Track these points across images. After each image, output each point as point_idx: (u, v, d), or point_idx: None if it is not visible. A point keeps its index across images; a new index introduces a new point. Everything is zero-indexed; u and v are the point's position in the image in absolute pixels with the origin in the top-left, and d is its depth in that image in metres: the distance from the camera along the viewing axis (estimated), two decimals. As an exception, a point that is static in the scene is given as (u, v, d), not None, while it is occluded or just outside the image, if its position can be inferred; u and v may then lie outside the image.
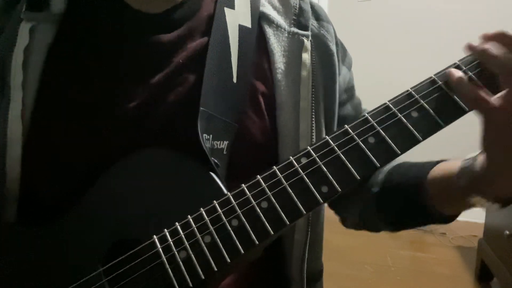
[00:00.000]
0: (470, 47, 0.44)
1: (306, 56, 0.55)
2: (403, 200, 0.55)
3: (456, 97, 0.43)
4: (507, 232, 1.67)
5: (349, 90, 0.64)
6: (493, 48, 0.42)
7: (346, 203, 0.63)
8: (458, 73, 0.44)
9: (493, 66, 0.42)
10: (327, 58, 0.57)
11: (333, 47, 0.58)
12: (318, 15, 0.59)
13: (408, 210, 0.55)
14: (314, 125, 0.54)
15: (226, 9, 0.54)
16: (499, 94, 0.42)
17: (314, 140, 0.54)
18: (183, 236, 0.41)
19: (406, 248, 2.41)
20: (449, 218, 0.52)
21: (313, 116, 0.54)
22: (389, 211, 0.57)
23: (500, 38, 0.43)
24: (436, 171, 0.52)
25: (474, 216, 2.59)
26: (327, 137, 0.43)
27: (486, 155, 0.44)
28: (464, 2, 2.80)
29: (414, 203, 0.53)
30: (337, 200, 0.64)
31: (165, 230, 0.42)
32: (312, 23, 0.58)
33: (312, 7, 0.59)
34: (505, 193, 0.45)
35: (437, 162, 0.53)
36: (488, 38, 0.44)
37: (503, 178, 0.43)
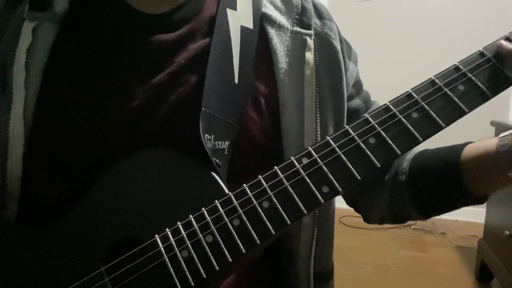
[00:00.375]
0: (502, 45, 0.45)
1: (309, 55, 0.55)
2: (437, 184, 0.54)
3: (456, 98, 0.44)
4: (507, 232, 1.67)
5: (357, 83, 0.64)
6: None
7: (368, 199, 0.63)
8: (509, 46, 0.44)
9: None
10: (332, 55, 0.57)
11: (337, 45, 0.58)
12: (320, 14, 0.59)
13: (444, 193, 0.54)
14: (319, 124, 0.54)
15: (228, 10, 0.54)
16: None
17: (319, 139, 0.54)
18: (184, 235, 0.41)
19: (406, 248, 2.42)
20: (482, 198, 0.52)
21: (318, 115, 0.54)
22: (423, 196, 0.56)
23: None
24: (469, 151, 0.51)
25: (474, 216, 2.59)
26: (328, 137, 0.44)
27: None
28: (464, 2, 2.80)
29: (450, 186, 0.52)
30: (358, 197, 0.64)
31: (167, 229, 0.42)
32: (315, 21, 0.58)
33: (315, 5, 0.59)
34: None
35: (465, 144, 0.53)
36: None
37: None
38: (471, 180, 0.50)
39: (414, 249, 2.43)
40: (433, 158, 0.56)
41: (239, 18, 0.54)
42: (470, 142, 0.53)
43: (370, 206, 0.64)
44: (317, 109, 0.54)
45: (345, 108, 0.58)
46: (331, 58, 0.57)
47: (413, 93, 0.44)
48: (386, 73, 2.82)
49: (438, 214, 0.57)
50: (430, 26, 2.85)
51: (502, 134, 0.48)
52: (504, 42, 0.45)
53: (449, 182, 0.52)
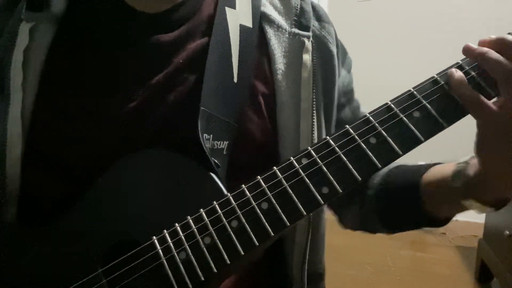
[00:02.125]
0: (468, 49, 0.44)
1: (307, 57, 0.55)
2: (399, 203, 0.55)
3: (456, 97, 0.43)
4: (507, 232, 1.67)
5: (348, 93, 0.64)
6: (491, 53, 0.41)
7: (345, 204, 0.63)
8: (458, 74, 0.43)
9: (491, 71, 0.42)
10: (328, 59, 0.57)
11: (334, 49, 0.58)
12: (319, 16, 0.59)
13: (404, 213, 0.55)
14: (315, 125, 0.54)
15: (227, 9, 0.54)
16: (496, 99, 0.41)
17: (314, 140, 0.53)
18: (182, 237, 0.41)
19: (406, 248, 2.42)
20: (444, 221, 0.52)
21: (314, 116, 0.54)
22: (386, 214, 0.58)
23: (498, 44, 0.42)
24: (430, 174, 0.52)
25: (474, 216, 2.58)
26: (328, 137, 0.43)
27: (479, 159, 0.44)
28: (465, 2, 2.80)
29: (409, 206, 0.53)
30: (336, 201, 0.65)
31: (165, 231, 0.42)
32: (313, 23, 0.57)
33: (314, 7, 0.59)
34: (498, 196, 0.45)
35: (431, 165, 0.53)
36: (486, 44, 0.43)
37: (497, 182, 0.43)
38: (429, 204, 0.51)
39: (414, 249, 2.43)
40: (400, 177, 0.57)
41: (238, 17, 0.54)
42: (437, 164, 0.53)
43: (344, 212, 0.65)
44: (313, 111, 0.54)
45: (334, 114, 0.58)
46: (327, 61, 0.57)
47: (415, 92, 0.44)
48: (386, 73, 2.81)
49: (402, 231, 0.59)
50: (430, 26, 2.85)
51: (459, 160, 0.48)
52: (453, 70, 0.44)
53: (409, 203, 0.53)
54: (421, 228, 0.55)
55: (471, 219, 2.67)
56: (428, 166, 0.54)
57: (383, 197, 0.58)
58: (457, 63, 0.45)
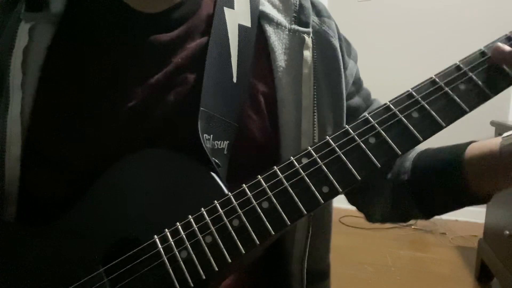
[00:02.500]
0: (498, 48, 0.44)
1: (307, 53, 0.55)
2: (440, 182, 0.54)
3: (456, 98, 0.43)
4: (507, 232, 1.67)
5: (356, 81, 0.64)
6: None
7: (370, 198, 0.62)
8: (505, 46, 0.44)
9: None
10: (330, 53, 0.57)
11: (336, 42, 0.58)
12: (318, 11, 0.59)
13: (446, 193, 0.53)
14: (316, 123, 0.54)
15: (226, 9, 0.54)
16: None
17: (316, 138, 0.54)
18: (184, 236, 0.41)
19: (406, 248, 2.42)
20: (485, 198, 0.51)
21: (315, 114, 0.54)
22: (426, 196, 0.56)
23: None
24: (472, 150, 0.51)
25: (474, 216, 2.59)
26: (327, 137, 0.43)
27: None
28: (464, 2, 2.80)
29: (452, 185, 0.52)
30: (360, 195, 0.64)
31: (166, 230, 0.42)
32: (313, 19, 0.57)
33: (313, 3, 0.59)
34: None
35: (468, 144, 0.52)
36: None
37: None
38: (474, 180, 0.50)
39: (414, 249, 2.43)
40: (436, 157, 0.55)
41: (236, 17, 0.54)
42: (473, 142, 0.52)
43: (372, 205, 0.63)
44: (315, 108, 0.54)
45: (344, 107, 0.58)
46: (330, 56, 0.57)
47: (413, 93, 0.44)
48: (386, 73, 2.81)
49: (442, 213, 0.57)
50: (430, 26, 2.85)
51: (505, 134, 0.48)
52: (501, 44, 0.44)
53: (452, 182, 0.52)
54: (461, 207, 0.53)
55: (471, 219, 2.67)
56: (466, 144, 0.52)
57: (419, 180, 0.56)
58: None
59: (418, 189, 0.56)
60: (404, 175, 0.57)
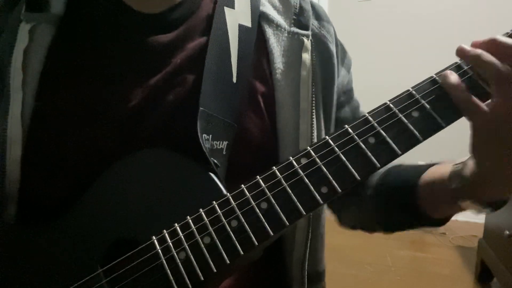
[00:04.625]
0: (462, 51, 0.43)
1: (306, 56, 0.55)
2: (396, 202, 0.55)
3: None
4: (507, 232, 1.67)
5: (347, 92, 0.64)
6: (484, 55, 0.41)
7: (343, 203, 0.63)
8: (452, 76, 0.43)
9: (484, 73, 0.42)
10: (327, 58, 0.57)
11: (333, 48, 0.58)
12: (318, 15, 0.59)
13: (401, 212, 0.55)
14: (314, 125, 0.54)
15: (226, 9, 0.54)
16: (490, 101, 0.41)
17: (314, 140, 0.53)
18: (182, 237, 0.41)
19: (406, 248, 2.41)
20: (442, 221, 0.52)
21: (313, 116, 0.54)
22: (383, 213, 0.58)
23: (490, 45, 0.42)
24: (428, 174, 0.52)
25: (474, 216, 2.59)
26: (327, 137, 0.43)
27: (475, 160, 0.44)
28: (464, 2, 2.80)
29: (407, 206, 0.53)
30: (335, 200, 0.65)
31: (164, 231, 0.42)
32: (313, 22, 0.57)
33: (313, 6, 0.59)
34: (495, 197, 0.45)
35: (430, 165, 0.53)
36: (478, 45, 0.43)
37: (493, 183, 0.43)
38: (426, 204, 0.51)
39: (414, 249, 2.43)
40: (397, 177, 0.57)
41: (237, 16, 0.54)
42: (435, 164, 0.53)
43: (343, 212, 0.65)
44: (313, 110, 0.54)
45: (333, 113, 0.58)
46: (326, 60, 0.57)
47: (413, 92, 0.44)
48: (386, 73, 2.81)
49: (399, 230, 0.59)
50: (430, 26, 2.85)
51: (455, 162, 0.48)
52: (448, 73, 0.44)
53: (406, 203, 0.53)
54: (419, 228, 0.55)
55: (471, 219, 2.67)
56: (427, 166, 0.54)
57: (381, 197, 0.58)
58: (456, 62, 0.45)
59: (377, 205, 0.58)
60: (368, 189, 0.59)
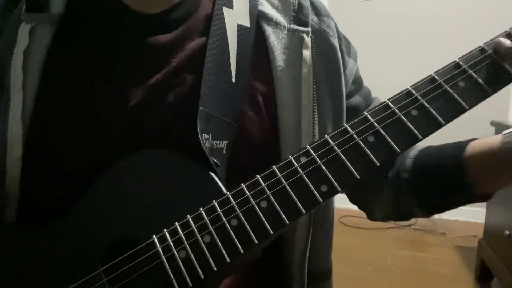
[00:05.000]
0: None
1: (306, 53, 0.55)
2: (440, 181, 0.53)
3: (456, 95, 0.43)
4: (507, 232, 1.67)
5: (356, 80, 0.64)
6: None
7: (371, 196, 0.62)
8: (507, 41, 0.44)
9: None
10: (330, 53, 0.57)
11: (335, 42, 0.58)
12: (318, 11, 0.59)
13: (447, 191, 0.53)
14: (316, 122, 0.54)
15: (225, 9, 0.54)
16: None
17: (316, 137, 0.53)
18: (182, 236, 0.41)
19: (406, 248, 2.42)
20: (485, 196, 0.51)
21: (315, 113, 0.54)
22: (427, 194, 0.56)
23: None
24: (473, 147, 0.51)
25: (474, 216, 2.59)
26: (326, 136, 0.43)
27: None
28: (464, 2, 2.80)
29: (453, 183, 0.51)
30: (360, 194, 0.64)
31: (165, 230, 0.42)
32: (312, 18, 0.57)
33: (312, 2, 0.59)
34: None
35: (469, 141, 0.52)
36: None
37: None
38: (475, 178, 0.50)
39: (414, 249, 2.43)
40: (437, 155, 0.55)
41: (235, 17, 0.54)
42: (474, 139, 0.52)
43: (373, 203, 0.63)
44: (315, 107, 0.54)
45: (344, 106, 0.58)
46: (329, 55, 0.57)
47: (412, 91, 0.44)
48: (386, 72, 2.81)
49: (443, 211, 0.56)
50: (430, 26, 2.85)
51: (506, 131, 0.48)
52: (502, 40, 0.45)
53: (452, 179, 0.52)
54: (463, 205, 0.53)
55: (471, 219, 2.67)
56: (466, 142, 0.52)
57: (419, 178, 0.56)
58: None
59: (418, 187, 0.56)
60: (404, 173, 0.57)
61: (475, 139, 0.52)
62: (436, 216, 0.59)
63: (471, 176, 0.50)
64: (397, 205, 0.59)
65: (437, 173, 0.54)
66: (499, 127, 1.91)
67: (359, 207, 0.67)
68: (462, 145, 0.52)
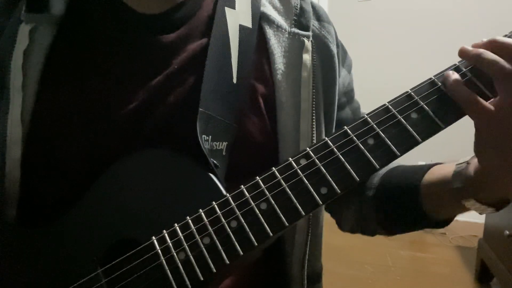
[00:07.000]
0: (464, 52, 0.44)
1: (306, 57, 0.55)
2: (398, 204, 0.55)
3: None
4: (507, 232, 1.67)
5: (348, 93, 0.64)
6: (487, 53, 0.41)
7: (343, 206, 0.63)
8: (454, 75, 0.43)
9: (488, 71, 0.42)
10: (328, 59, 0.57)
11: (334, 48, 0.58)
12: (319, 16, 0.59)
13: (403, 214, 0.55)
14: (314, 126, 0.54)
15: (227, 9, 0.54)
16: (493, 99, 0.41)
17: (314, 141, 0.54)
18: (182, 237, 0.41)
19: (406, 248, 2.42)
20: (443, 222, 0.52)
21: (314, 117, 0.54)
22: (384, 214, 0.57)
23: (491, 45, 0.42)
24: (430, 175, 0.52)
25: (474, 216, 2.59)
26: (326, 138, 0.43)
27: (479, 159, 0.44)
28: (464, 2, 2.80)
29: (409, 207, 0.53)
30: (334, 202, 0.64)
31: (164, 231, 0.42)
32: (313, 23, 0.57)
33: (313, 7, 0.59)
34: (499, 196, 0.45)
35: (432, 165, 0.53)
36: (479, 46, 0.43)
37: (496, 182, 0.43)
38: (430, 204, 0.51)
39: (414, 249, 2.43)
40: (400, 177, 0.56)
41: (237, 17, 0.54)
42: (438, 164, 0.53)
43: (343, 215, 0.64)
44: (313, 111, 0.54)
45: (334, 114, 0.58)
46: (327, 61, 0.57)
47: (412, 94, 0.44)
48: (386, 73, 2.82)
49: (403, 232, 0.58)
50: (430, 26, 2.85)
51: (458, 161, 0.48)
52: (450, 73, 0.44)
53: (409, 204, 0.53)
54: (421, 229, 0.55)
55: (471, 219, 2.67)
56: (429, 167, 0.53)
57: (381, 198, 0.57)
58: (454, 64, 0.45)
59: (379, 207, 0.57)
60: (369, 190, 0.58)
61: (440, 163, 0.53)
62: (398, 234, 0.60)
63: (424, 203, 0.51)
64: (362, 220, 0.60)
65: (396, 196, 0.55)
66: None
67: (331, 215, 0.67)
68: (424, 170, 0.53)
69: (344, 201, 0.62)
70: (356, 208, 0.61)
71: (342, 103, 0.62)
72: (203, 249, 0.40)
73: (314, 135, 0.54)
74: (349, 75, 0.64)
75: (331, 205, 0.65)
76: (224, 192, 0.44)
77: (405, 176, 0.55)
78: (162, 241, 0.41)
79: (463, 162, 0.47)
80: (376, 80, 2.69)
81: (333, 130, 0.58)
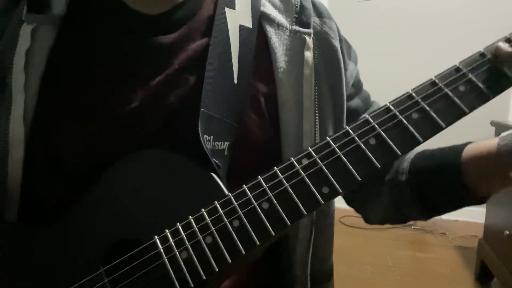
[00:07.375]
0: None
1: (308, 54, 0.55)
2: (439, 185, 0.54)
3: (456, 99, 0.43)
4: (507, 232, 1.67)
5: (357, 84, 0.64)
6: None
7: (368, 199, 0.62)
8: (504, 45, 0.44)
9: None
10: (331, 55, 0.57)
11: (337, 43, 0.58)
12: (320, 12, 0.59)
13: (446, 194, 0.53)
14: (317, 124, 0.54)
15: (227, 9, 0.54)
16: None
17: (317, 139, 0.54)
18: (184, 236, 0.41)
19: (406, 248, 2.42)
20: (482, 199, 0.51)
21: (317, 115, 0.54)
22: (424, 196, 0.55)
23: None
24: (469, 151, 0.51)
25: (474, 216, 2.59)
26: (328, 138, 0.43)
27: None
28: (464, 2, 2.80)
29: (452, 187, 0.52)
30: (358, 197, 0.64)
31: (166, 230, 0.42)
32: (314, 20, 0.57)
33: (314, 4, 0.59)
34: None
35: (466, 144, 0.52)
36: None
37: None
38: (472, 181, 0.50)
39: (414, 249, 2.43)
40: (434, 158, 0.55)
41: (237, 17, 0.54)
42: (471, 142, 0.52)
43: (370, 206, 0.63)
44: (316, 109, 0.54)
45: (344, 107, 0.58)
46: (330, 57, 0.57)
47: (413, 94, 0.44)
48: (386, 73, 2.81)
49: (440, 214, 0.56)
50: (430, 26, 2.85)
51: (503, 134, 0.48)
52: (502, 44, 0.45)
53: (449, 183, 0.52)
54: (461, 207, 0.53)
55: (471, 219, 2.67)
56: (464, 145, 0.52)
57: (418, 181, 0.56)
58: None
59: (416, 190, 0.56)
60: (402, 176, 0.57)
61: (472, 142, 0.52)
62: (435, 216, 0.58)
63: (466, 180, 0.50)
64: (395, 208, 0.59)
65: (434, 176, 0.54)
66: (499, 127, 1.91)
67: (356, 211, 0.66)
68: (459, 148, 0.52)
69: (373, 192, 0.60)
70: (386, 196, 0.59)
71: (351, 93, 0.62)
72: (206, 248, 0.40)
73: (317, 133, 0.54)
74: (356, 67, 0.63)
75: (357, 199, 0.64)
76: (226, 191, 0.44)
77: (440, 155, 0.54)
78: (164, 240, 0.41)
79: (508, 134, 0.47)
80: (376, 80, 2.68)
81: (345, 123, 0.57)
